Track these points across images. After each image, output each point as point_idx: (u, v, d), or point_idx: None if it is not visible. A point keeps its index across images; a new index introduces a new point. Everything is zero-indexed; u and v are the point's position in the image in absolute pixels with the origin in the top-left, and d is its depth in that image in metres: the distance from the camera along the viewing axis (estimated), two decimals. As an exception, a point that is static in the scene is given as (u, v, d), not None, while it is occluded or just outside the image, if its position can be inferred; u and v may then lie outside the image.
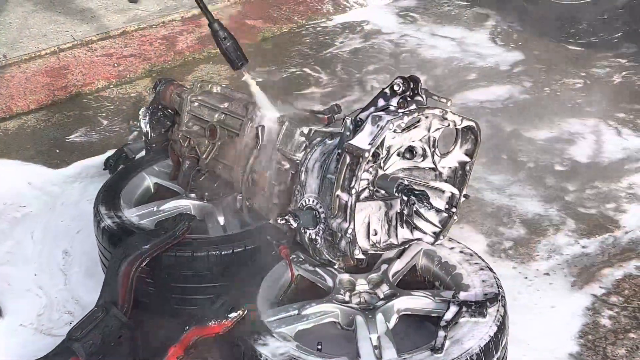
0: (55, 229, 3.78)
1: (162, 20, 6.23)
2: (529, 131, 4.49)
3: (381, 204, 2.69)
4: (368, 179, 2.60)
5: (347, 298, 2.74)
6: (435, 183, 2.78)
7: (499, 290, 2.66)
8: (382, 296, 2.73)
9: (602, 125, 4.51)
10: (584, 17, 5.36)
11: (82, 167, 4.31)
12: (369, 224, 2.69)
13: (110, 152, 4.05)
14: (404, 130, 2.58)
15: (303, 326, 2.64)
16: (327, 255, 2.76)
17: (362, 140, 2.49)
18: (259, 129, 3.00)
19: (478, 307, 2.55)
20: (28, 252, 3.63)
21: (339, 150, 2.59)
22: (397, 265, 2.86)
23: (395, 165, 2.66)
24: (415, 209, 2.75)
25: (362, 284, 2.79)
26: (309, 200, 2.74)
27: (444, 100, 2.65)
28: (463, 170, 2.79)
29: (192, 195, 3.34)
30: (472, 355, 2.40)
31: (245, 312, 2.58)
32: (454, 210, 2.81)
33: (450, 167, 2.79)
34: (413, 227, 2.80)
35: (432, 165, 2.74)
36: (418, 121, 2.61)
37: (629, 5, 5.21)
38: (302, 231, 2.76)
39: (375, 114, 2.55)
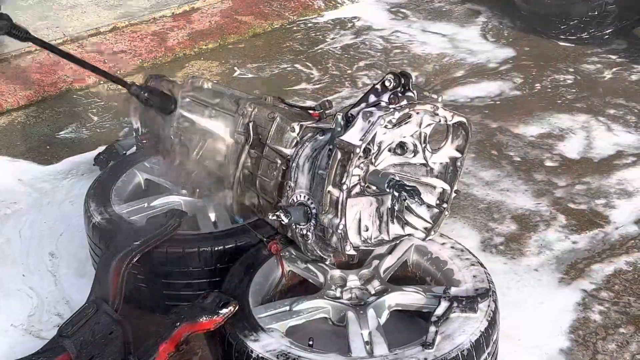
0: (45, 225, 3.77)
1: (153, 16, 6.21)
2: (519, 127, 4.50)
3: (372, 200, 2.70)
4: (359, 175, 2.60)
5: (338, 294, 2.74)
6: (427, 179, 2.78)
7: (489, 286, 2.67)
8: (373, 292, 2.74)
9: (593, 121, 4.52)
10: (574, 13, 5.37)
11: (72, 164, 4.30)
12: (360, 219, 2.69)
13: (100, 149, 4.03)
14: (395, 126, 2.58)
15: (294, 322, 2.64)
16: (318, 252, 2.76)
17: (353, 136, 2.49)
18: (250, 125, 3.00)
19: (469, 303, 2.55)
20: (17, 251, 3.61)
21: (330, 146, 2.59)
22: (389, 261, 2.86)
23: (386, 161, 2.66)
24: (406, 204, 2.75)
25: (353, 280, 2.79)
26: (300, 196, 2.74)
27: (435, 97, 2.65)
28: (454, 165, 2.79)
29: (183, 191, 3.34)
30: (463, 351, 2.40)
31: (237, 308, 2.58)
32: (445, 205, 2.81)
33: (441, 163, 2.79)
34: (404, 223, 2.80)
35: (423, 161, 2.74)
36: (409, 117, 2.61)
37: (620, 1, 5.22)
38: (294, 227, 2.76)
39: (367, 109, 2.55)
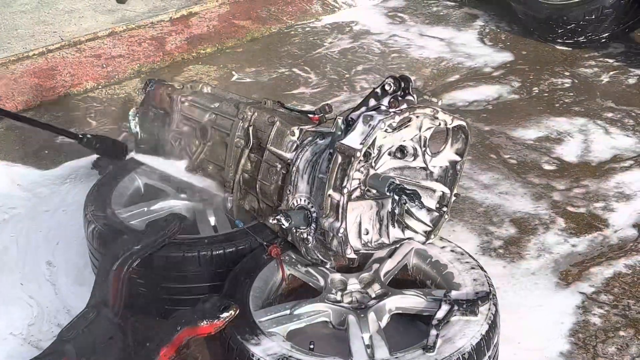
0: (40, 234, 3.77)
1: (151, 20, 6.20)
2: (517, 130, 4.50)
3: (372, 204, 2.70)
4: (359, 179, 2.61)
5: (338, 297, 2.74)
6: (426, 182, 2.80)
7: (490, 289, 2.67)
8: (373, 295, 2.74)
9: (591, 125, 4.53)
10: (572, 17, 5.38)
11: (71, 168, 4.28)
12: (360, 223, 2.70)
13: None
14: (395, 129, 2.59)
15: (295, 326, 2.64)
16: (318, 255, 2.76)
17: (353, 139, 2.50)
18: (250, 129, 3.00)
19: (469, 306, 2.56)
20: (14, 258, 3.60)
21: (331, 150, 2.59)
22: (389, 265, 2.86)
23: (386, 164, 2.67)
24: (406, 208, 2.76)
25: (353, 284, 2.79)
26: (300, 200, 2.74)
27: (435, 100, 2.66)
28: (454, 169, 2.80)
29: (183, 195, 3.34)
30: (464, 354, 2.41)
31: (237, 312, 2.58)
32: (445, 209, 2.82)
33: (441, 167, 2.80)
34: (404, 227, 2.81)
35: (423, 165, 2.75)
36: (409, 120, 2.62)
37: (617, 5, 5.23)
38: (294, 231, 2.77)
39: (367, 113, 2.56)
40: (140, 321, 2.94)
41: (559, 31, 5.52)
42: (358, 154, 2.46)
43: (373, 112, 2.56)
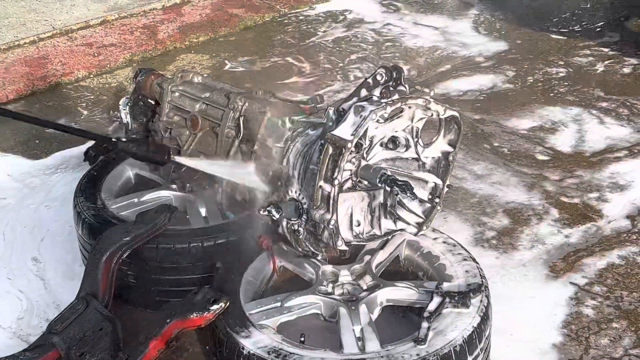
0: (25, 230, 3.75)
1: (143, 9, 6.18)
2: (511, 120, 4.49)
3: (364, 195, 2.68)
4: (351, 170, 2.58)
5: (330, 289, 2.72)
6: (419, 173, 2.77)
7: (482, 281, 2.65)
8: (365, 287, 2.72)
9: (585, 114, 4.52)
10: (566, 6, 5.37)
11: (61, 158, 4.27)
12: (352, 215, 2.67)
13: (90, 143, 3.99)
14: (387, 120, 2.56)
15: (286, 318, 2.63)
16: (310, 247, 2.74)
17: (344, 130, 2.47)
18: (241, 119, 2.98)
19: (461, 298, 2.54)
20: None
21: (322, 141, 2.56)
22: (380, 256, 2.85)
23: (378, 155, 2.65)
24: (398, 199, 2.74)
25: (345, 276, 2.77)
26: (291, 191, 2.72)
27: (427, 91, 2.64)
28: (446, 160, 2.77)
29: (174, 186, 3.32)
30: (456, 347, 2.39)
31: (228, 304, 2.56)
32: (437, 200, 2.80)
33: (433, 157, 2.78)
34: (396, 218, 2.78)
35: (415, 156, 2.73)
36: (401, 111, 2.59)
37: (612, -6, 5.23)
38: (285, 222, 2.74)
39: (358, 104, 2.52)
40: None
41: (554, 20, 5.51)
42: (349, 144, 2.43)
43: (364, 103, 2.53)
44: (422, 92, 2.63)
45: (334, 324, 2.60)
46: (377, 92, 2.58)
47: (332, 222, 2.51)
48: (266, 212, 2.68)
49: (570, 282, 3.19)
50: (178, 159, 3.08)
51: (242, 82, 4.94)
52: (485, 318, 2.52)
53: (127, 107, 3.52)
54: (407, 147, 2.69)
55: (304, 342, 2.51)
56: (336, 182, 2.47)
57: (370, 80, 2.60)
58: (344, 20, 6.22)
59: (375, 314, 2.65)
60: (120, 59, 5.53)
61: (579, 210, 3.65)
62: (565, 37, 5.55)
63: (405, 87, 2.59)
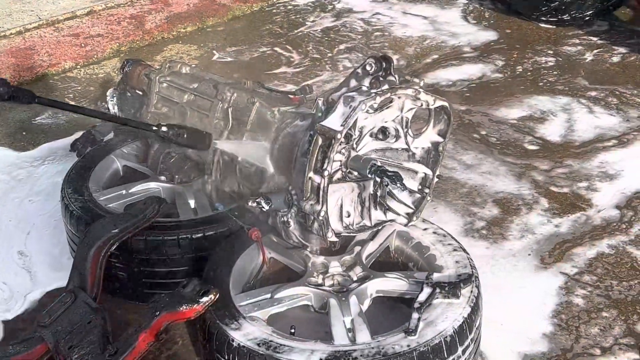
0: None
1: (130, -1, 6.15)
2: (500, 110, 4.49)
3: (354, 186, 2.67)
4: (341, 161, 2.58)
5: (320, 281, 2.72)
6: (408, 164, 2.77)
7: (472, 271, 2.65)
8: (355, 278, 2.71)
9: (574, 104, 4.52)
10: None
11: (49, 150, 4.24)
12: (341, 206, 2.67)
13: (77, 135, 3.98)
14: (376, 110, 2.55)
15: (276, 310, 2.62)
16: (299, 238, 2.73)
17: (334, 121, 2.46)
18: (229, 110, 2.96)
19: (451, 289, 2.54)
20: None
21: (311, 132, 2.55)
22: (371, 247, 2.84)
23: (368, 146, 2.64)
24: (388, 190, 2.73)
25: (335, 267, 2.76)
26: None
27: (417, 81, 2.62)
28: (436, 150, 2.77)
29: (162, 177, 3.29)
30: (446, 337, 2.39)
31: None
32: (427, 191, 2.79)
33: (423, 148, 2.78)
34: (386, 209, 2.78)
35: (405, 146, 2.72)
36: (391, 101, 2.59)
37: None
38: (274, 214, 2.73)
39: (348, 94, 2.51)
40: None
41: (543, 9, 5.50)
42: (339, 135, 2.42)
43: (354, 93, 2.51)
44: (411, 83, 2.60)
45: (325, 315, 2.60)
46: (366, 82, 2.56)
47: (322, 213, 2.50)
48: (255, 204, 2.66)
49: (560, 272, 3.19)
50: (219, 144, 3.02)
51: (231, 73, 4.92)
52: (475, 308, 2.52)
53: (115, 98, 3.50)
54: (397, 137, 2.69)
55: (294, 334, 2.50)
56: (326, 173, 2.45)
57: (359, 70, 2.59)
58: (333, 9, 6.19)
59: (365, 305, 2.64)
60: (107, 50, 5.49)
61: (569, 199, 3.65)
62: (554, 27, 5.55)
63: (395, 77, 2.57)
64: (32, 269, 3.35)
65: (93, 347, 2.53)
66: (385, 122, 2.64)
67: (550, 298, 3.06)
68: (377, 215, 2.77)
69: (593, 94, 4.62)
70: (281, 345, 2.38)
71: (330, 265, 2.77)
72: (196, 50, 5.50)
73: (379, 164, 2.53)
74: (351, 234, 2.74)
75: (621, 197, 3.65)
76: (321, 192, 2.48)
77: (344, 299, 2.60)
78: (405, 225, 2.83)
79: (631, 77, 4.81)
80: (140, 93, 3.46)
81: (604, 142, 4.12)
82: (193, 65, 3.42)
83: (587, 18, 5.47)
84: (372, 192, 2.71)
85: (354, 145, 2.58)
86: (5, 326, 3.02)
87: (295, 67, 5.20)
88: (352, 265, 2.77)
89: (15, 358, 2.57)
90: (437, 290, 2.53)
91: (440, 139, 2.76)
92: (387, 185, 2.60)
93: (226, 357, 2.43)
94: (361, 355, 2.33)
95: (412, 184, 2.79)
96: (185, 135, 2.91)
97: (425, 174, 2.79)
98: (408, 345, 2.35)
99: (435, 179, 2.81)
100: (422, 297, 2.51)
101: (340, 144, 2.48)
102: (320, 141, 2.47)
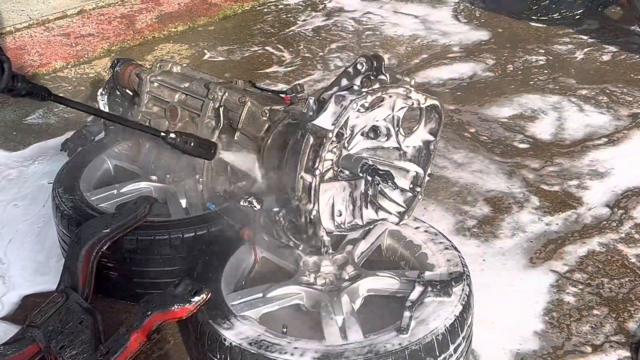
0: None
1: (121, -2, 6.15)
2: (491, 109, 4.50)
3: (345, 185, 2.67)
4: (332, 160, 2.58)
5: (312, 280, 2.71)
6: (400, 162, 2.77)
7: (464, 270, 2.66)
8: (347, 277, 2.71)
9: (565, 102, 4.53)
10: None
11: (40, 150, 4.23)
12: (333, 204, 2.67)
13: (68, 134, 3.97)
14: (367, 109, 2.55)
15: (268, 309, 2.62)
16: (291, 238, 2.72)
17: (325, 120, 2.46)
18: (220, 109, 2.95)
19: (443, 287, 2.55)
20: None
21: (302, 131, 2.55)
22: (362, 246, 2.85)
23: (359, 145, 2.64)
24: (379, 189, 2.73)
25: (327, 266, 2.76)
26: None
27: (408, 79, 2.63)
28: (427, 149, 2.77)
29: (153, 177, 3.29)
30: (438, 335, 2.39)
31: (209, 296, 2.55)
32: (418, 189, 2.80)
33: (414, 147, 2.78)
34: (378, 208, 2.78)
35: (397, 145, 2.72)
36: (382, 100, 2.59)
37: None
38: (266, 213, 2.72)
39: (339, 93, 2.51)
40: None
41: (534, 8, 5.51)
42: (330, 134, 2.42)
43: (345, 92, 2.51)
44: (402, 81, 2.61)
45: (316, 314, 2.60)
46: (357, 81, 2.56)
47: (314, 212, 2.50)
48: (247, 203, 2.66)
49: (551, 270, 3.20)
50: (224, 154, 2.99)
51: (222, 72, 4.92)
52: (467, 306, 2.53)
53: (105, 97, 3.49)
54: (388, 136, 2.69)
55: (286, 333, 2.50)
56: (317, 172, 2.45)
57: (350, 69, 2.59)
58: (324, 8, 6.20)
59: (357, 304, 2.64)
60: (98, 49, 5.49)
61: (559, 198, 3.67)
62: (544, 25, 5.57)
63: (386, 76, 2.57)
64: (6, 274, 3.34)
65: (85, 347, 2.53)
66: (377, 121, 2.64)
67: (542, 296, 3.06)
68: (368, 214, 2.77)
69: (583, 92, 4.63)
70: (273, 344, 2.38)
71: (322, 265, 2.77)
72: (187, 50, 5.50)
73: (370, 163, 2.53)
74: (343, 233, 2.74)
75: (611, 195, 3.66)
76: (313, 191, 2.48)
77: (335, 298, 2.59)
78: (397, 224, 2.83)
79: (621, 76, 4.83)
80: (131, 93, 3.46)
81: (595, 140, 4.13)
82: (184, 65, 3.42)
83: (577, 17, 5.50)
84: (363, 191, 2.71)
85: (345, 144, 2.58)
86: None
87: (286, 67, 5.20)
88: (343, 264, 2.77)
89: (6, 359, 2.57)
90: (429, 288, 2.54)
91: (431, 138, 2.76)
92: (378, 184, 2.60)
93: (218, 357, 2.44)
94: (353, 354, 2.33)
95: (404, 182, 2.79)
96: (192, 144, 2.89)
97: (417, 172, 2.79)
98: (400, 344, 2.35)
99: (427, 178, 2.81)
100: (413, 295, 2.52)
101: (331, 143, 2.48)
102: (311, 140, 2.46)
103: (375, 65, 2.57)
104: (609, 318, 2.94)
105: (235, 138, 2.89)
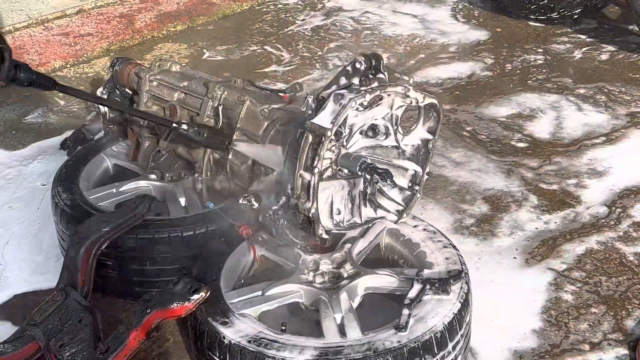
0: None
1: (120, -2, 6.18)
2: (489, 108, 4.52)
3: (344, 183, 2.69)
4: (331, 158, 2.60)
5: (310, 278, 2.73)
6: (398, 161, 2.79)
7: (462, 267, 2.67)
8: (346, 275, 2.73)
9: (563, 101, 4.56)
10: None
11: (39, 149, 4.25)
12: (332, 203, 2.69)
13: (68, 133, 3.99)
14: (366, 108, 2.57)
15: (267, 307, 2.63)
16: (290, 236, 2.74)
17: (324, 118, 2.47)
18: (220, 108, 2.97)
19: (441, 285, 2.56)
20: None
21: (301, 129, 2.56)
22: (361, 244, 2.86)
23: (358, 143, 2.66)
24: (378, 187, 2.75)
25: (326, 264, 2.78)
26: (271, 180, 2.72)
27: (406, 78, 2.64)
28: (426, 147, 2.80)
29: (152, 176, 3.30)
30: (436, 333, 2.41)
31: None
32: (417, 188, 2.82)
33: (413, 145, 2.80)
34: (376, 206, 2.80)
35: (395, 143, 2.75)
36: (380, 99, 2.60)
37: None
38: (265, 212, 2.74)
39: (338, 92, 2.52)
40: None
41: (532, 7, 5.54)
42: (329, 133, 2.44)
43: (344, 91, 2.53)
44: (401, 80, 2.63)
45: (315, 312, 2.61)
46: (356, 80, 2.58)
47: (312, 210, 2.51)
48: (246, 201, 2.68)
49: (549, 268, 3.21)
50: (238, 145, 2.94)
51: (221, 71, 4.94)
52: (465, 304, 2.54)
53: (105, 96, 3.50)
54: (387, 134, 2.71)
55: (285, 331, 2.52)
56: (316, 170, 2.47)
57: (349, 68, 2.60)
58: (323, 8, 6.24)
59: (356, 302, 2.66)
60: (97, 49, 5.51)
61: (558, 196, 3.68)
62: (543, 25, 5.60)
63: (385, 75, 2.59)
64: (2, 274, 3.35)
65: (84, 345, 2.54)
66: (375, 119, 2.66)
67: (540, 294, 3.08)
68: (367, 212, 2.79)
69: (582, 91, 4.66)
70: (272, 342, 2.39)
71: (320, 263, 2.78)
72: (186, 49, 5.52)
73: (369, 161, 2.55)
74: (341, 231, 2.76)
75: (610, 194, 3.68)
76: (311, 190, 2.49)
77: (334, 296, 2.61)
78: (395, 222, 2.85)
79: (619, 75, 4.86)
80: (130, 92, 3.47)
81: (593, 139, 4.15)
82: (183, 64, 3.43)
83: (575, 16, 5.52)
84: (362, 190, 2.73)
85: (344, 143, 2.60)
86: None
87: (285, 66, 5.22)
88: (342, 263, 2.78)
89: (5, 357, 2.58)
90: (427, 286, 2.55)
91: (430, 137, 2.78)
92: (377, 183, 2.62)
93: (217, 355, 2.45)
94: (352, 351, 2.34)
95: (402, 181, 2.81)
96: (204, 135, 2.88)
97: (415, 171, 2.81)
98: (398, 341, 2.36)
99: (425, 176, 2.83)
100: (412, 293, 2.53)
101: (330, 142, 2.50)
102: (310, 139, 2.48)
103: (373, 64, 2.58)
104: (607, 316, 2.96)
105: (234, 137, 2.90)
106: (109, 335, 2.52)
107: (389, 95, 2.60)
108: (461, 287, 2.58)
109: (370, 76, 2.57)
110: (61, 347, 2.55)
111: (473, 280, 2.69)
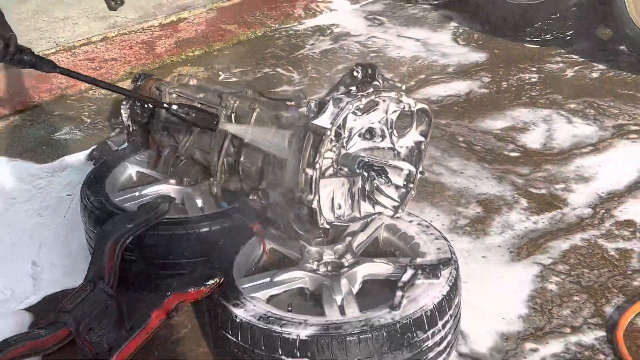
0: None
1: (142, 26, 6.47)
2: (485, 121, 4.77)
3: (345, 181, 2.94)
4: (332, 158, 2.85)
5: (315, 267, 2.98)
6: (394, 161, 3.03)
7: (452, 256, 2.91)
8: (346, 264, 2.98)
9: (555, 115, 4.80)
10: (538, 16, 5.67)
11: (67, 162, 4.50)
12: (333, 198, 2.94)
13: (94, 146, 4.27)
14: (364, 112, 2.83)
15: (275, 291, 2.89)
16: (296, 229, 2.99)
17: (324, 120, 2.74)
18: (232, 116, 3.25)
19: (432, 270, 2.80)
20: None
21: (304, 130, 2.83)
22: (361, 237, 3.11)
23: (357, 145, 2.91)
24: (376, 185, 3.01)
25: (328, 254, 3.02)
26: (278, 178, 2.98)
27: (399, 85, 2.91)
28: (419, 149, 3.05)
29: (172, 180, 3.57)
30: (427, 312, 2.64)
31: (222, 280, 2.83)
32: (411, 185, 3.07)
33: (407, 147, 3.05)
34: (374, 202, 3.05)
35: (391, 145, 2.99)
36: (376, 104, 2.87)
37: (580, 4, 5.52)
38: (273, 207, 3.01)
39: (336, 96, 2.80)
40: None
41: (527, 30, 5.80)
42: (328, 132, 2.70)
43: (342, 96, 2.81)
44: (394, 86, 2.91)
45: (318, 295, 2.86)
46: (353, 87, 2.86)
47: (315, 202, 2.76)
48: (255, 197, 2.95)
49: (535, 262, 3.45)
50: (225, 125, 3.25)
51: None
52: (454, 287, 2.77)
53: (127, 106, 3.79)
54: (383, 137, 2.96)
55: (291, 311, 2.76)
56: (317, 166, 2.72)
57: (347, 77, 2.90)
58: (331, 33, 6.52)
59: (356, 287, 2.90)
60: (120, 72, 5.81)
61: (546, 199, 3.93)
62: (538, 46, 5.86)
63: (380, 82, 2.86)
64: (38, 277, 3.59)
65: (110, 327, 2.78)
66: (372, 123, 2.92)
67: (527, 285, 3.32)
68: (365, 207, 3.04)
69: (572, 106, 4.90)
70: (278, 319, 2.63)
71: (324, 254, 3.03)
72: (203, 72, 5.80)
73: (366, 160, 2.81)
74: (342, 224, 3.01)
75: (595, 197, 3.92)
76: (313, 184, 2.74)
77: (335, 281, 2.85)
78: (392, 217, 3.10)
79: (609, 90, 5.10)
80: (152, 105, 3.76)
81: (581, 148, 4.39)
82: (199, 78, 3.71)
83: (568, 38, 5.78)
84: (361, 187, 2.99)
85: (344, 144, 2.86)
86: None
87: (295, 86, 5.49)
88: (344, 253, 3.03)
89: (39, 341, 2.82)
90: (419, 271, 2.78)
91: (422, 139, 3.03)
92: (374, 179, 2.86)
93: (230, 332, 2.69)
94: (350, 327, 2.57)
95: (398, 179, 3.06)
96: (193, 115, 3.19)
97: (410, 170, 3.06)
98: (392, 318, 2.59)
99: (419, 175, 3.09)
100: (405, 277, 2.76)
101: (330, 142, 2.77)
102: (312, 138, 2.76)
103: (369, 72, 2.86)
104: (588, 303, 3.20)
105: (246, 141, 3.17)
106: (132, 317, 2.79)
107: (384, 100, 2.86)
108: (450, 273, 2.81)
109: (367, 83, 2.85)
110: (90, 331, 2.78)
111: (466, 274, 2.93)
